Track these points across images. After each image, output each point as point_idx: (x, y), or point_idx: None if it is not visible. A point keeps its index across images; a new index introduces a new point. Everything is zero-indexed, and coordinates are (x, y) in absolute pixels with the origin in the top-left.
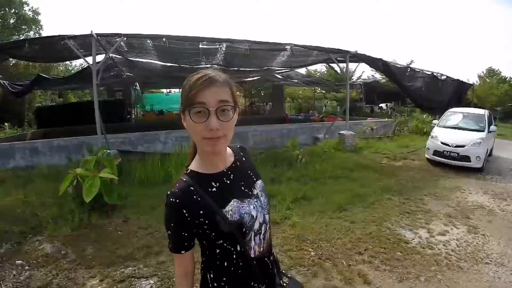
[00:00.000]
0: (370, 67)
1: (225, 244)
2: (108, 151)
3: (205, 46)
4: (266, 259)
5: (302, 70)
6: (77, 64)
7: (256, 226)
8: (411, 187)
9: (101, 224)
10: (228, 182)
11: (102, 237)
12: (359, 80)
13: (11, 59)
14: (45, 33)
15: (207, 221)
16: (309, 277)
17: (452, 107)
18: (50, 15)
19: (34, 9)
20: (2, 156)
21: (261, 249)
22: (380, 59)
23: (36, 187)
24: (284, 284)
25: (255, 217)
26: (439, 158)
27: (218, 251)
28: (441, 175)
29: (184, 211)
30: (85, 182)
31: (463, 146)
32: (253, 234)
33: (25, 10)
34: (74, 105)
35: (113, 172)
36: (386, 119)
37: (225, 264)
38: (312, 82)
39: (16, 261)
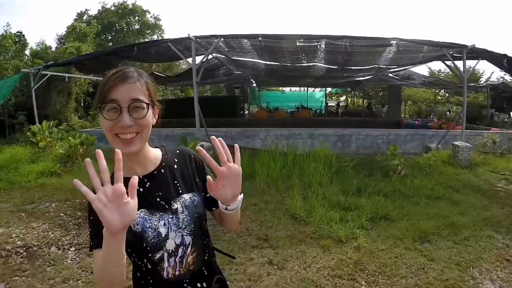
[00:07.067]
0: (492, 64)
1: (133, 255)
2: (203, 142)
3: (302, 44)
4: (185, 285)
5: (424, 70)
6: (197, 62)
7: (170, 246)
8: None
9: None
10: (141, 190)
11: None
12: (487, 82)
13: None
14: (166, 35)
15: None
16: None
17: None
18: (173, 18)
19: (155, 16)
20: None
21: (177, 272)
22: (505, 55)
23: None
24: None
25: (163, 235)
26: None
27: (131, 260)
28: None
29: None
30: None
31: None
32: (166, 255)
33: (147, 17)
34: (189, 99)
35: None
36: None
37: (138, 274)
38: (430, 83)
39: None
